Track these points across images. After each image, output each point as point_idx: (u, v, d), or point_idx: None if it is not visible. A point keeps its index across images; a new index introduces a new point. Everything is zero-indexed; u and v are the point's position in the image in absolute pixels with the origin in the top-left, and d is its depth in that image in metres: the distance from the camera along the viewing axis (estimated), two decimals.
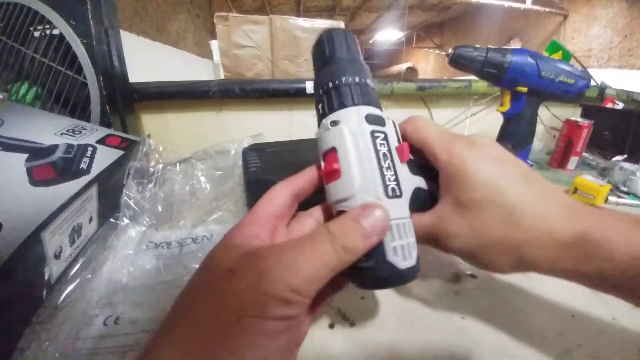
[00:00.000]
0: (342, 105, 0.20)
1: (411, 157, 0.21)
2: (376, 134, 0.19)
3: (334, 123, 0.20)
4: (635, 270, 0.17)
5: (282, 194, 0.20)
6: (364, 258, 0.18)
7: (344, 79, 0.21)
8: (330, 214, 0.21)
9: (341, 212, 0.19)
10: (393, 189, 0.19)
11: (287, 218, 0.21)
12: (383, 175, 0.18)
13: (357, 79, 0.21)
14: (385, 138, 0.20)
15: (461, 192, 0.19)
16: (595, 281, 0.18)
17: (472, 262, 0.21)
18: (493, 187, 0.19)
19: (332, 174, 0.19)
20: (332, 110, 0.20)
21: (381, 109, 0.22)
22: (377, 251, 0.18)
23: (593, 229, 0.18)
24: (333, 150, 0.19)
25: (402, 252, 0.18)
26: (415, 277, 0.19)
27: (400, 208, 0.19)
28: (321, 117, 0.21)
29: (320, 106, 0.22)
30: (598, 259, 0.17)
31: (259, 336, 0.14)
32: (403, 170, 0.20)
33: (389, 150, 0.19)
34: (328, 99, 0.21)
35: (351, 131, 0.19)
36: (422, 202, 0.21)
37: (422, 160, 0.22)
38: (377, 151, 0.19)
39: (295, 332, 0.16)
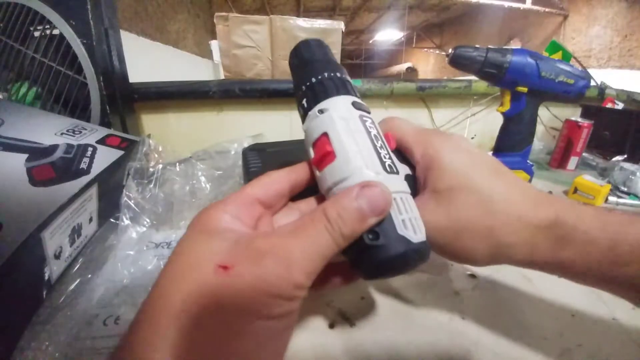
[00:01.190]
0: (327, 95, 0.21)
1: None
2: (365, 118, 0.20)
3: (322, 111, 0.20)
4: (616, 253, 0.17)
5: (278, 182, 0.20)
6: (372, 236, 0.16)
7: (325, 74, 0.22)
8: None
9: None
10: (390, 166, 0.19)
11: (275, 208, 0.20)
12: (379, 153, 0.18)
13: (337, 74, 0.22)
14: (373, 122, 0.20)
15: (437, 180, 0.20)
16: (579, 269, 0.18)
17: (450, 252, 0.20)
18: (465, 175, 0.19)
19: (326, 157, 0.18)
20: (317, 102, 0.21)
21: (357, 95, 0.22)
22: (385, 226, 0.17)
23: (564, 213, 0.18)
24: (324, 135, 0.19)
25: (412, 225, 0.17)
26: (429, 255, 0.18)
27: (400, 184, 0.19)
28: (306, 111, 0.21)
29: (304, 101, 0.22)
30: (577, 243, 0.17)
31: (265, 337, 0.14)
32: (394, 155, 0.20)
33: (379, 133, 0.20)
34: (312, 93, 0.21)
35: (340, 115, 0.19)
36: (412, 189, 0.21)
37: (399, 157, 0.23)
38: (368, 132, 0.19)
39: (293, 322, 0.16)
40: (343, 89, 0.21)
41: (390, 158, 0.19)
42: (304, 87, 0.22)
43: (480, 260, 0.20)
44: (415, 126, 0.23)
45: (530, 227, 0.18)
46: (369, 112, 0.21)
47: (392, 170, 0.18)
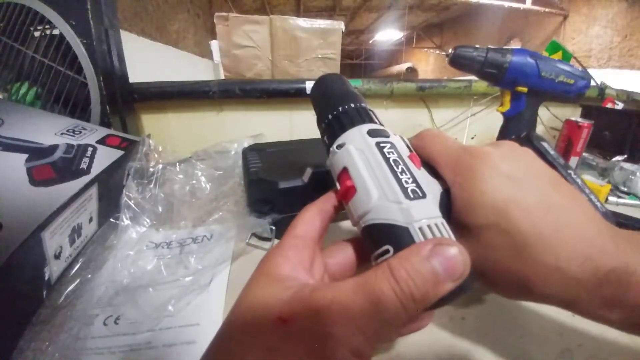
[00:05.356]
0: (344, 130, 0.21)
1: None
2: (382, 144, 0.20)
3: (340, 146, 0.20)
4: None
5: (318, 216, 0.20)
6: None
7: (340, 108, 0.22)
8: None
9: (367, 228, 0.18)
10: (414, 191, 0.17)
11: (321, 242, 0.20)
12: (399, 179, 0.18)
13: (352, 105, 0.22)
14: (393, 147, 0.20)
15: (463, 214, 0.17)
16: (624, 327, 0.16)
17: (480, 282, 0.18)
18: (498, 211, 0.16)
19: (348, 192, 0.19)
20: (335, 137, 0.21)
21: (379, 122, 0.22)
22: None
23: (623, 268, 0.15)
24: (344, 170, 0.20)
25: None
26: (471, 284, 0.15)
27: (428, 209, 0.17)
28: (328, 147, 0.22)
29: (325, 138, 0.23)
30: (626, 305, 0.15)
31: None
32: (423, 174, 0.19)
33: (400, 157, 0.19)
34: (330, 130, 0.22)
35: (357, 147, 0.20)
36: (448, 206, 0.19)
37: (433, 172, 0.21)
38: (387, 159, 0.19)
39: None
40: (358, 119, 0.21)
41: (414, 182, 0.18)
42: (323, 125, 0.23)
43: (511, 298, 0.18)
44: (446, 143, 0.20)
45: (571, 281, 0.15)
46: (387, 136, 0.20)
47: (417, 196, 0.17)
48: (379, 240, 0.17)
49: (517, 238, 0.16)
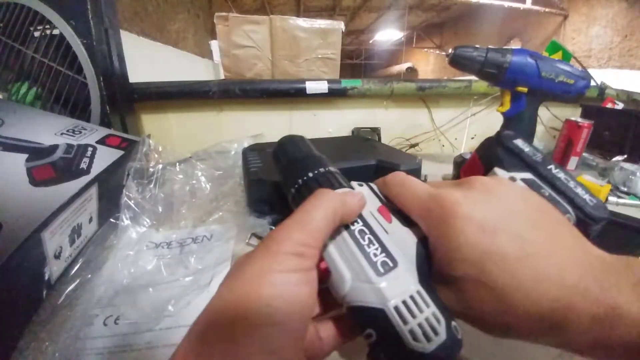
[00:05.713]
0: None
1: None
2: None
3: None
4: None
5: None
6: (384, 356, 0.16)
7: (300, 180, 0.22)
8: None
9: (348, 309, 0.18)
10: (383, 263, 0.17)
11: None
12: (367, 254, 0.18)
13: (311, 174, 0.22)
14: (360, 215, 0.20)
15: (442, 265, 0.17)
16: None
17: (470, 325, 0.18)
18: (475, 266, 0.16)
19: (325, 273, 0.19)
20: None
21: (346, 184, 0.22)
22: (394, 342, 0.16)
23: (607, 312, 0.14)
24: None
25: (424, 331, 0.16)
26: (457, 350, 0.16)
27: (401, 281, 0.17)
28: None
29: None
30: (613, 348, 0.14)
31: (281, 287, 0.15)
32: (395, 228, 0.19)
33: (366, 224, 0.19)
34: (295, 204, 0.22)
35: None
36: (427, 253, 0.19)
37: (406, 220, 0.21)
38: (351, 232, 0.19)
39: (312, 285, 0.17)
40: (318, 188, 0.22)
41: (383, 250, 0.18)
42: (289, 197, 0.23)
43: (499, 338, 0.18)
44: (415, 191, 0.19)
45: (555, 329, 0.15)
46: None
47: (387, 268, 0.17)
48: (360, 323, 0.17)
49: (497, 290, 0.16)
